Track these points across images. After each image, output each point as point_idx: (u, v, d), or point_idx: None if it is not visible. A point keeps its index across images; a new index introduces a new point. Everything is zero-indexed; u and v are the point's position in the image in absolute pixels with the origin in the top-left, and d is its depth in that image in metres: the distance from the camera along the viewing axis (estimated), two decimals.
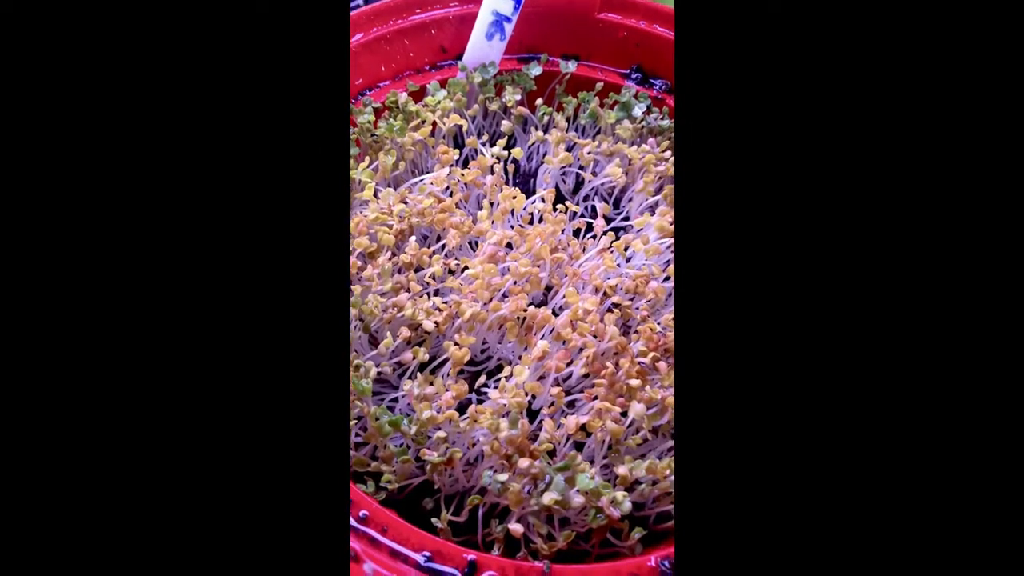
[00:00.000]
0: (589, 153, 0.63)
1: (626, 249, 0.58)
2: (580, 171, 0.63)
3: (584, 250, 0.57)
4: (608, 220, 0.63)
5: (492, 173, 0.59)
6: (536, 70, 0.66)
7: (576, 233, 0.59)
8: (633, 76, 0.69)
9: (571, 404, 0.50)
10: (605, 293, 0.54)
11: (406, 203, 0.55)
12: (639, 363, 0.49)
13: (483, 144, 0.62)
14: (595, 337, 0.50)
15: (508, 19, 0.63)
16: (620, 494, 0.44)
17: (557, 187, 0.65)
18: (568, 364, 0.50)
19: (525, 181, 0.66)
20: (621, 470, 0.45)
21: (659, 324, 0.52)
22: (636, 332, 0.52)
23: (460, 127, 0.62)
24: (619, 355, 0.50)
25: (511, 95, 0.65)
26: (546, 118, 0.65)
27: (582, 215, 0.64)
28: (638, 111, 0.65)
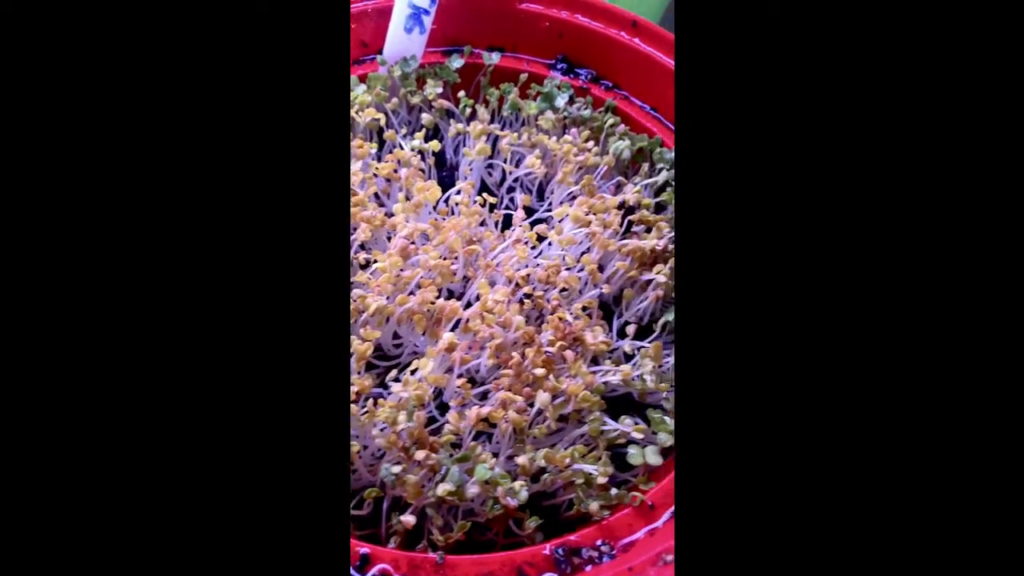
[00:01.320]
0: (508, 144, 0.63)
1: (543, 240, 0.58)
2: (504, 163, 0.63)
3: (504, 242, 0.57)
4: (532, 212, 0.64)
5: (409, 166, 0.59)
6: (457, 62, 0.66)
7: (505, 226, 0.59)
8: (559, 66, 0.69)
9: (485, 396, 0.51)
10: (517, 284, 0.54)
11: None
12: (545, 352, 0.50)
13: (402, 137, 0.62)
14: (504, 328, 0.50)
15: (426, 11, 0.63)
16: (518, 484, 0.44)
17: (483, 180, 0.65)
18: (480, 356, 0.50)
19: (451, 174, 0.66)
20: (521, 459, 0.46)
21: (570, 313, 0.52)
22: (546, 322, 0.52)
23: (383, 121, 0.62)
24: (527, 345, 0.50)
25: (432, 88, 0.65)
26: (468, 110, 0.65)
27: (507, 207, 0.64)
28: (560, 102, 0.65)
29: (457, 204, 0.58)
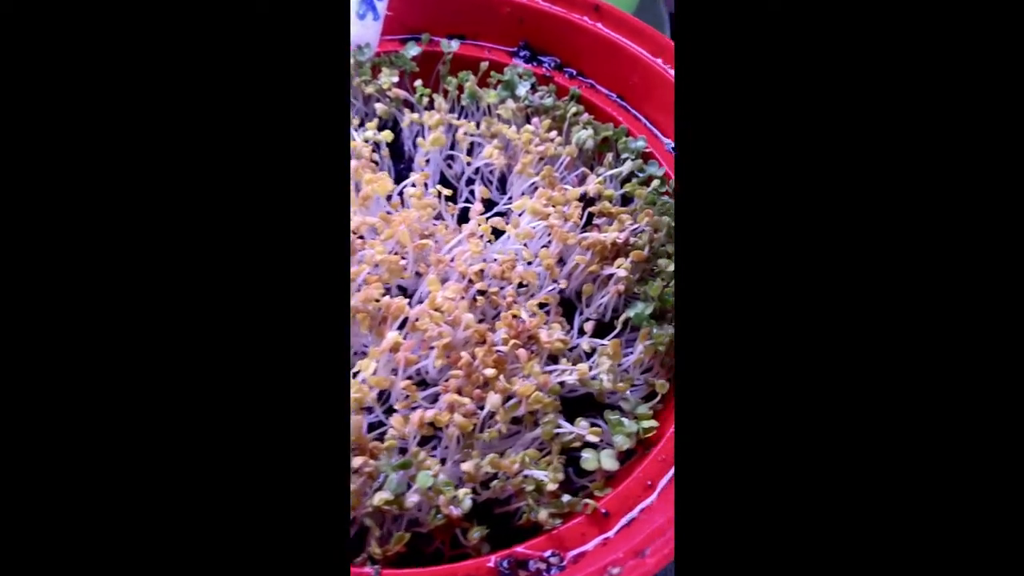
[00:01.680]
0: (466, 135, 0.60)
1: (500, 234, 0.55)
2: (463, 154, 0.61)
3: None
4: (492, 205, 0.61)
5: (360, 158, 0.56)
6: (414, 50, 0.64)
7: (464, 220, 0.56)
8: (521, 54, 0.67)
9: (435, 399, 0.48)
10: (471, 280, 0.51)
11: None
12: (497, 352, 0.47)
13: (355, 129, 0.60)
14: (453, 326, 0.48)
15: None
16: (461, 492, 0.42)
17: (443, 174, 0.63)
18: (427, 356, 0.47)
19: (409, 167, 0.63)
20: (466, 466, 0.43)
21: (525, 311, 0.50)
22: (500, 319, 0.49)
23: None
24: (479, 344, 0.48)
25: (387, 77, 0.62)
26: (425, 100, 0.63)
27: (468, 200, 0.62)
28: (522, 90, 0.63)
29: (411, 197, 0.56)
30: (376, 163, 0.58)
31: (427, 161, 0.61)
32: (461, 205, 0.60)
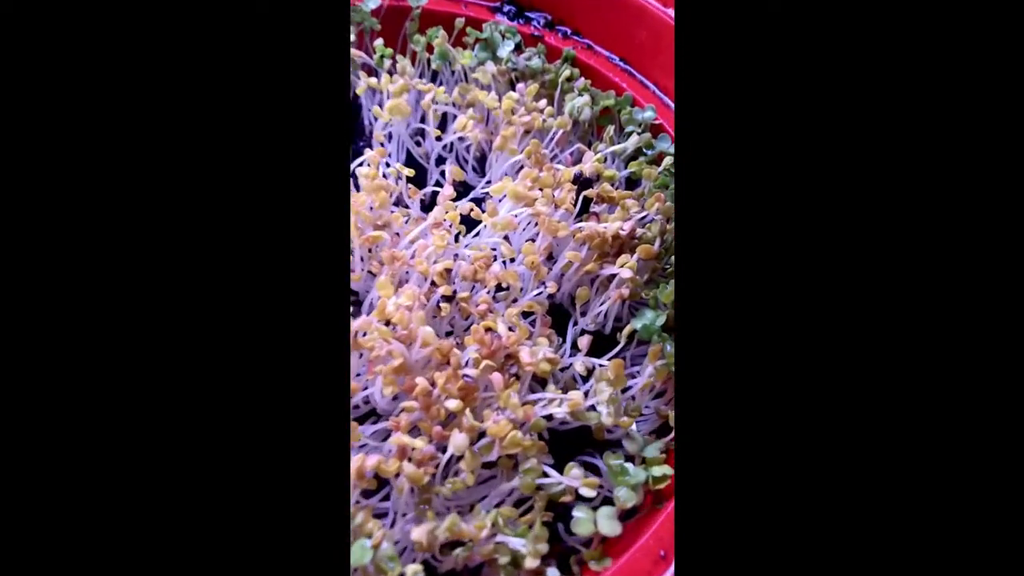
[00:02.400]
0: (432, 102, 0.49)
1: (474, 224, 0.45)
2: (431, 127, 0.50)
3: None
4: (468, 189, 0.50)
5: None
6: (373, 2, 0.53)
7: (430, 208, 0.46)
8: (505, 9, 0.56)
9: (387, 436, 0.37)
10: (433, 283, 0.40)
11: None
12: (464, 377, 0.36)
13: None
14: (407, 343, 0.37)
15: None
16: (411, 569, 0.31)
17: (410, 151, 0.52)
18: (373, 383, 0.37)
19: (369, 143, 0.53)
20: (417, 532, 0.32)
21: (502, 321, 0.39)
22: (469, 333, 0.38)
23: None
24: (440, 367, 0.37)
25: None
26: (388, 63, 0.52)
27: (437, 184, 0.51)
28: (504, 51, 0.52)
29: (363, 179, 0.45)
30: None
31: (388, 137, 0.50)
32: (430, 190, 0.49)
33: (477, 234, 0.44)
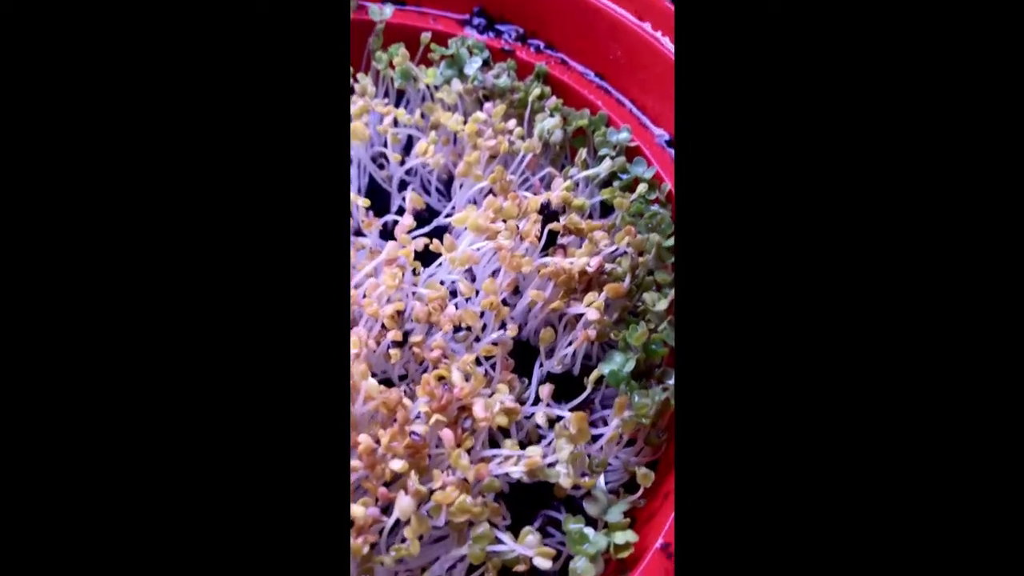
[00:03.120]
0: (391, 126, 0.47)
1: (432, 259, 0.42)
2: (392, 152, 0.47)
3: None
4: (434, 214, 0.47)
5: None
6: None
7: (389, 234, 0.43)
8: (475, 22, 0.53)
9: None
10: (384, 326, 0.38)
11: None
12: (411, 435, 0.34)
13: None
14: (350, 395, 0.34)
15: None
16: None
17: (372, 176, 0.49)
18: None
19: None
20: None
21: (456, 369, 0.36)
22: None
23: None
24: (386, 424, 0.34)
25: None
26: (351, 83, 0.49)
27: (400, 209, 0.48)
28: (471, 68, 0.49)
29: None
30: None
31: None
32: (391, 218, 0.46)
33: (439, 264, 0.41)
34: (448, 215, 0.47)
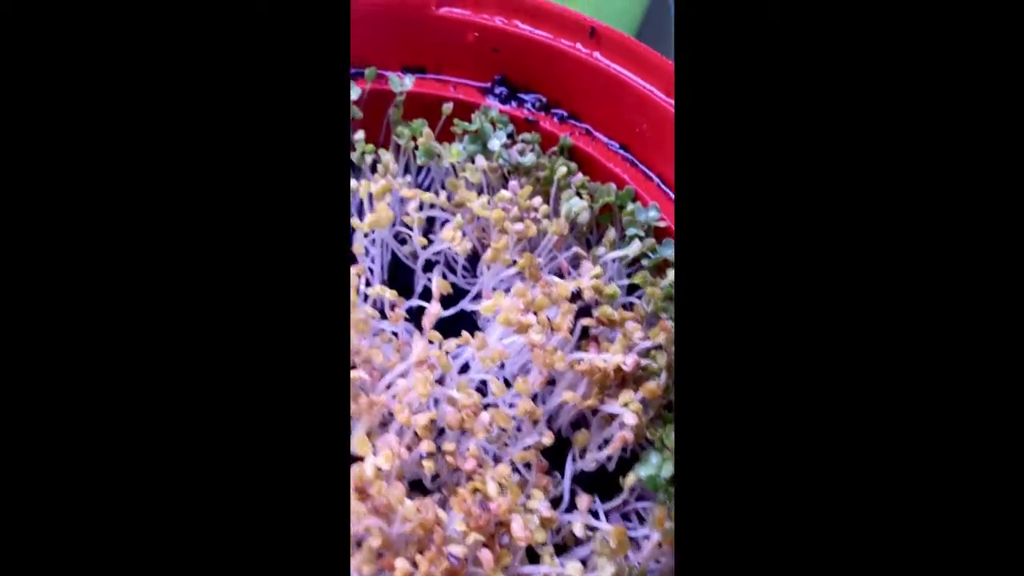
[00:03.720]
0: (416, 210, 0.46)
1: (450, 329, 0.41)
2: (416, 234, 0.46)
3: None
4: (459, 292, 0.47)
5: None
6: (353, 92, 0.49)
7: (418, 321, 0.42)
8: (496, 91, 0.52)
9: None
10: (416, 435, 0.37)
11: None
12: (448, 556, 0.33)
13: None
14: (385, 517, 0.34)
15: None
16: None
17: (394, 253, 0.48)
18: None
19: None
20: None
21: (491, 481, 0.35)
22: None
23: None
24: (422, 546, 0.34)
25: None
26: (369, 158, 0.48)
27: (426, 289, 0.47)
28: (496, 143, 0.48)
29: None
30: None
31: (370, 244, 0.46)
32: (415, 303, 0.45)
33: (465, 368, 0.41)
34: (475, 297, 0.46)
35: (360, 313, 0.40)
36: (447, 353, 0.39)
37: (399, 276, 0.49)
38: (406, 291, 0.48)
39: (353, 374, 0.38)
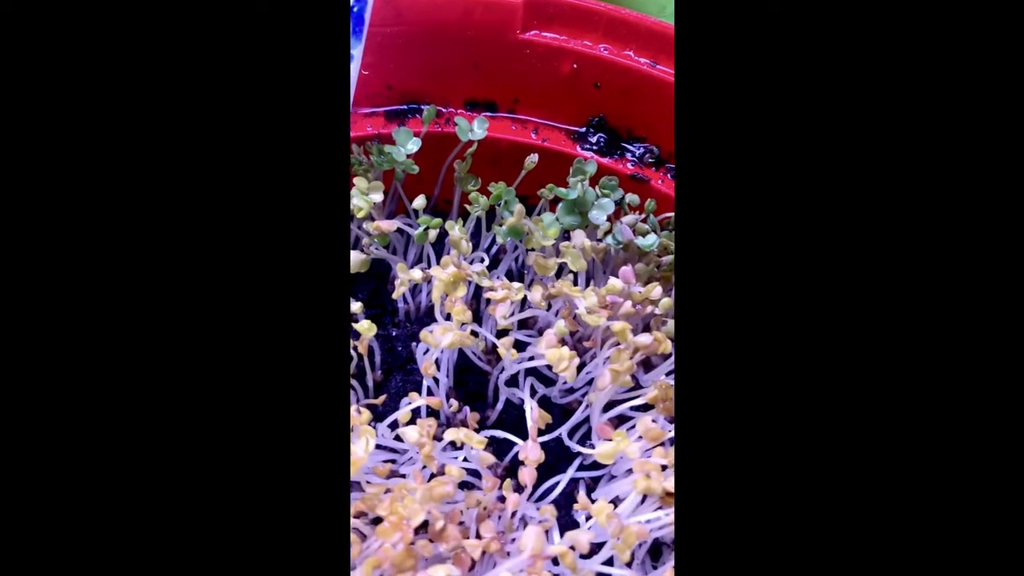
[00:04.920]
0: (501, 310, 0.34)
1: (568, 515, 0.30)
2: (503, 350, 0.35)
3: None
4: (569, 413, 0.35)
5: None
6: (413, 144, 0.37)
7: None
8: (592, 137, 0.40)
9: None
10: None
11: None
12: None
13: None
14: None
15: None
16: None
17: (461, 356, 0.37)
18: None
19: (412, 374, 0.38)
20: None
21: None
22: None
23: None
24: None
25: (363, 197, 0.35)
26: (433, 233, 0.36)
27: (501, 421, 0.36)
28: (600, 214, 0.36)
29: (415, 448, 0.30)
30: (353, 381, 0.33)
31: (437, 362, 0.35)
32: (499, 434, 0.34)
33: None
34: (577, 426, 0.35)
35: (443, 482, 0.29)
36: (573, 550, 0.28)
37: (468, 379, 0.38)
38: (475, 398, 0.37)
39: (452, 544, 0.28)
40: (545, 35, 0.38)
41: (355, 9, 0.32)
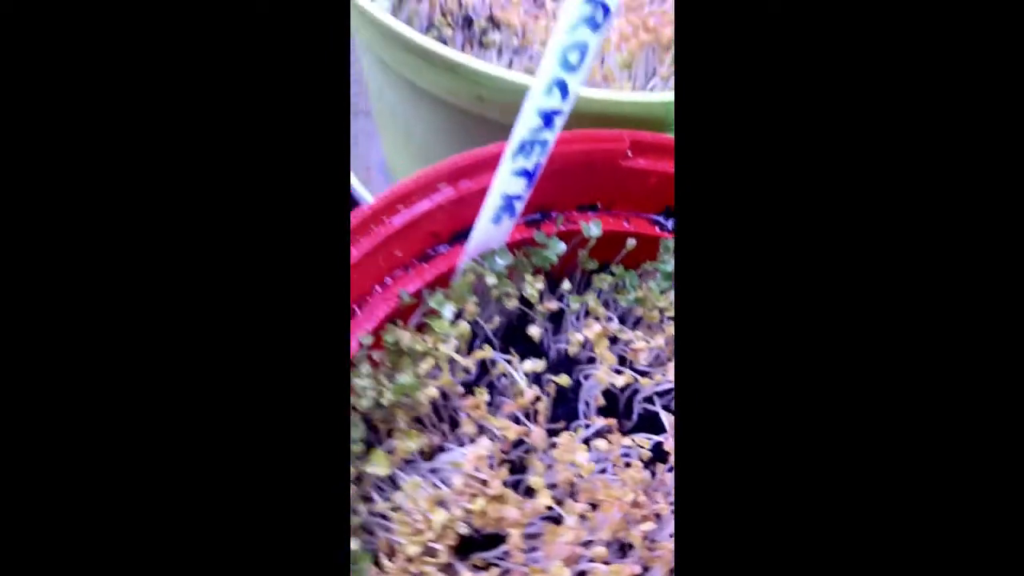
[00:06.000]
0: (639, 350, 0.51)
1: None
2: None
3: None
4: None
5: (536, 417, 0.46)
6: (558, 247, 0.53)
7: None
8: (667, 221, 0.57)
9: None
10: None
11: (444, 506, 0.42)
12: None
13: (508, 362, 0.49)
14: None
15: (519, 197, 0.49)
16: None
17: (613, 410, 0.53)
18: None
19: (566, 407, 0.51)
20: None
21: None
22: None
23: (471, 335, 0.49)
24: None
25: (532, 284, 0.51)
26: (577, 305, 0.53)
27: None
28: None
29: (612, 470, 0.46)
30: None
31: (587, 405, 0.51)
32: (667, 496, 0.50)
33: None
34: None
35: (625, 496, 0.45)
36: None
37: None
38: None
39: None
40: (640, 161, 0.54)
41: (532, 171, 0.48)
